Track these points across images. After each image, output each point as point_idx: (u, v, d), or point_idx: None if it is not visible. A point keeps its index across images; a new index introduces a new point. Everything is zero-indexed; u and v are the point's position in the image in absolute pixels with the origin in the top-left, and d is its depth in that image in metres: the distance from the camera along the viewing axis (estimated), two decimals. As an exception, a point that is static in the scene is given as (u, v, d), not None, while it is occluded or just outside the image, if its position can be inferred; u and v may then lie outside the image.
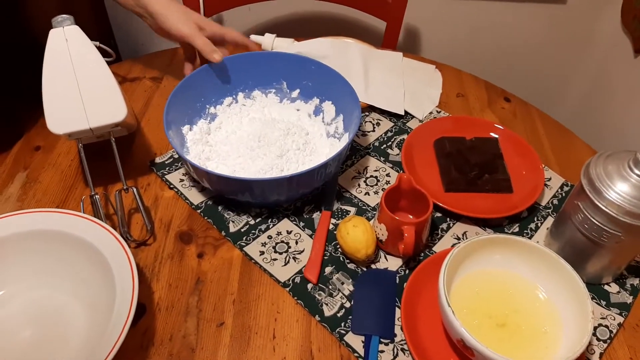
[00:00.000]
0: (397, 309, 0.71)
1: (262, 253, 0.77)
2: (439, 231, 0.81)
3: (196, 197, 0.84)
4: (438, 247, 0.79)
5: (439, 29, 1.62)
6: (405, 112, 1.02)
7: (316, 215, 0.82)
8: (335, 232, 0.79)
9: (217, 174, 0.74)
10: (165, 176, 0.87)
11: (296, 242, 0.79)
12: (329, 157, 0.74)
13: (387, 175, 0.90)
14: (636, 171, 0.63)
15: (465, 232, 0.82)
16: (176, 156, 0.91)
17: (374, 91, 1.03)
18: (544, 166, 0.90)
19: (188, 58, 0.96)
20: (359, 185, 0.88)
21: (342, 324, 0.69)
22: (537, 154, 0.90)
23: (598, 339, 0.70)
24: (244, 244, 0.78)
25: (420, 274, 0.72)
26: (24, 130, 0.95)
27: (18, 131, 0.95)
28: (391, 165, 0.91)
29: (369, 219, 0.80)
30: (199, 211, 0.82)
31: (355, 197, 0.86)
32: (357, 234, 0.73)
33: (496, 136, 0.94)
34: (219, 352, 0.67)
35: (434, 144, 0.93)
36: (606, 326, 0.71)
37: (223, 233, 0.79)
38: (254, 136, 0.87)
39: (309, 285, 0.73)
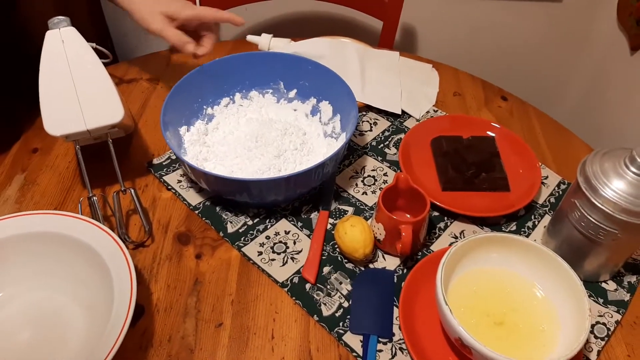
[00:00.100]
0: (395, 308, 0.72)
1: (260, 253, 0.77)
2: (437, 230, 0.82)
3: (194, 198, 0.84)
4: (436, 246, 0.79)
5: (435, 28, 1.63)
6: (402, 111, 1.02)
7: (314, 215, 0.82)
8: (333, 232, 0.79)
9: (215, 175, 0.74)
10: (163, 177, 0.87)
11: (294, 242, 0.79)
12: (327, 157, 0.74)
13: (385, 174, 0.90)
14: (632, 169, 0.63)
15: (462, 231, 0.82)
16: (174, 157, 0.91)
17: (370, 91, 1.03)
18: (540, 164, 0.90)
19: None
20: (356, 184, 0.88)
21: (341, 324, 0.70)
22: (534, 153, 0.90)
23: (596, 337, 0.70)
24: (242, 244, 0.78)
25: (418, 273, 0.73)
26: (22, 131, 0.95)
27: (17, 132, 0.95)
28: (388, 165, 0.92)
29: (366, 219, 0.81)
30: (196, 212, 0.82)
31: (353, 196, 0.86)
32: (354, 234, 0.73)
33: (493, 135, 0.94)
34: (218, 352, 0.67)
35: (431, 143, 0.93)
36: (604, 324, 0.71)
37: (221, 234, 0.80)
38: (252, 136, 0.87)
39: (307, 285, 0.74)
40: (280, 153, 0.84)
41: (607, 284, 0.76)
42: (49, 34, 0.76)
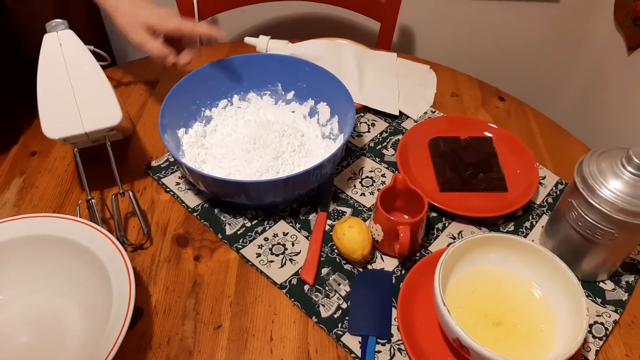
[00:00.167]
0: (393, 309, 0.72)
1: (258, 255, 0.77)
2: (435, 231, 0.82)
3: (192, 200, 0.84)
4: (434, 247, 0.80)
5: (432, 29, 1.63)
6: (400, 112, 1.02)
7: (312, 217, 0.83)
8: (331, 233, 0.79)
9: (213, 177, 0.74)
10: (162, 180, 0.87)
11: (292, 244, 0.79)
12: (324, 158, 0.74)
13: (383, 175, 0.90)
14: (629, 168, 0.63)
15: (460, 232, 0.82)
16: (172, 159, 0.91)
17: (368, 92, 1.04)
18: (538, 165, 0.91)
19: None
20: (354, 186, 0.88)
21: (339, 325, 0.70)
22: (532, 153, 0.90)
23: (594, 336, 0.70)
24: (240, 246, 0.78)
25: (416, 273, 0.73)
26: (21, 132, 0.95)
27: (15, 133, 0.95)
28: (386, 166, 0.92)
29: (364, 220, 0.81)
30: (195, 214, 0.83)
31: (351, 198, 0.86)
32: (353, 235, 0.73)
33: (490, 135, 0.94)
34: (217, 354, 0.67)
35: (429, 144, 0.93)
36: (602, 323, 0.71)
37: (219, 236, 0.80)
38: (250, 138, 0.87)
39: (306, 287, 0.74)
40: (278, 155, 0.84)
41: (605, 283, 0.76)
42: (47, 37, 0.77)
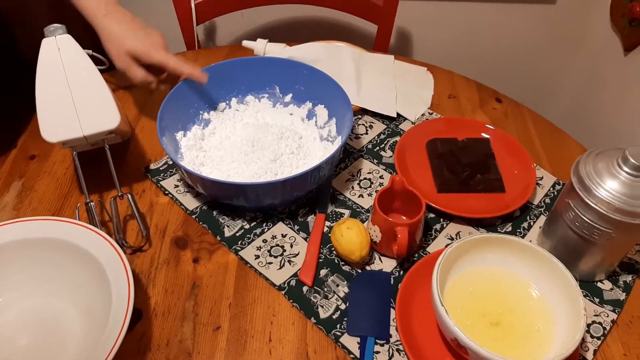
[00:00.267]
0: (392, 309, 0.72)
1: (257, 257, 0.77)
2: (433, 232, 0.82)
3: (191, 202, 0.85)
4: (432, 248, 0.80)
5: (429, 31, 1.63)
6: (398, 114, 1.02)
7: (310, 219, 0.83)
8: (329, 235, 0.79)
9: (211, 179, 0.75)
10: (160, 182, 0.88)
11: (291, 246, 0.79)
12: (322, 160, 0.74)
13: (381, 177, 0.90)
14: (625, 168, 0.64)
15: (458, 232, 0.82)
16: (170, 162, 0.91)
17: (366, 94, 1.04)
18: (535, 165, 0.91)
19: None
20: (352, 187, 0.88)
21: (338, 326, 0.70)
22: (529, 154, 0.91)
23: (592, 336, 0.70)
24: (239, 248, 0.79)
25: (415, 274, 0.73)
26: (20, 133, 0.96)
27: (15, 134, 0.95)
28: (384, 168, 0.92)
29: (363, 221, 0.81)
30: (194, 216, 0.83)
31: (349, 199, 0.86)
32: (351, 236, 0.73)
33: (488, 137, 0.94)
34: (216, 356, 0.67)
35: (426, 146, 0.94)
36: (600, 323, 0.72)
37: (218, 238, 0.80)
38: (248, 141, 0.87)
39: (305, 288, 0.74)
40: (276, 157, 0.85)
41: (603, 283, 0.76)
42: (45, 42, 0.77)
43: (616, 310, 0.73)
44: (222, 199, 0.82)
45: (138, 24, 0.85)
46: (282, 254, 0.78)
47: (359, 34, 1.62)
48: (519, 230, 0.83)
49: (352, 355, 0.67)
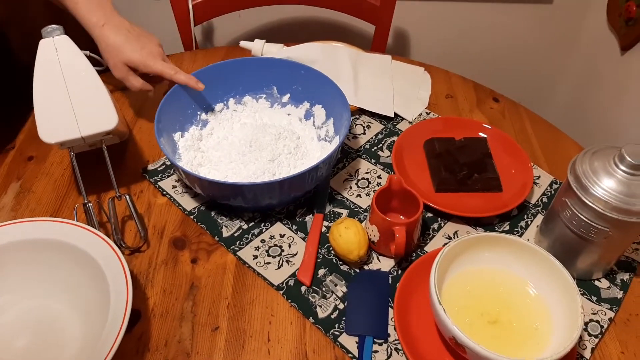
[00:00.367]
0: (390, 309, 0.72)
1: (255, 257, 0.78)
2: (431, 231, 0.82)
3: (189, 203, 0.85)
4: (430, 247, 0.80)
5: (427, 31, 1.64)
6: (395, 114, 1.03)
7: (309, 218, 0.83)
8: (327, 235, 0.80)
9: (209, 180, 0.75)
10: (158, 183, 0.88)
11: (289, 246, 0.79)
12: (320, 160, 0.74)
13: (379, 177, 0.90)
14: (622, 167, 0.64)
15: (456, 232, 0.82)
16: (168, 163, 0.91)
17: (363, 94, 1.04)
18: (533, 165, 0.91)
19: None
20: (350, 187, 0.88)
21: (336, 326, 0.70)
22: (526, 153, 0.91)
23: (589, 334, 0.70)
24: (237, 248, 0.79)
25: (413, 274, 0.73)
26: (18, 135, 0.96)
27: (13, 134, 0.96)
28: (382, 167, 0.92)
29: (360, 221, 0.81)
30: (192, 217, 0.83)
31: (347, 199, 0.86)
32: (349, 236, 0.73)
33: (485, 136, 0.95)
34: (214, 356, 0.67)
35: (424, 145, 0.94)
36: (597, 321, 0.72)
37: (216, 238, 0.80)
38: (246, 141, 0.88)
39: (303, 288, 0.74)
40: (274, 157, 0.85)
41: (600, 282, 0.76)
42: (42, 43, 0.77)
43: (613, 309, 0.73)
44: (220, 200, 0.82)
45: (135, 34, 0.86)
46: (280, 254, 0.78)
47: (357, 34, 1.62)
48: (516, 229, 0.83)
49: (350, 355, 0.67)
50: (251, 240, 0.80)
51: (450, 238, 0.82)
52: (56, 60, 0.77)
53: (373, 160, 0.93)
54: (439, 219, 0.84)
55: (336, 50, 1.10)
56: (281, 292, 0.74)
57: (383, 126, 1.01)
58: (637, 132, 1.33)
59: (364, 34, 1.60)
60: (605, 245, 0.70)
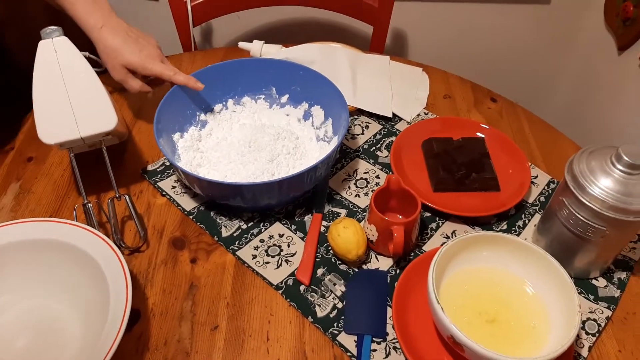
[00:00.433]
0: (388, 308, 0.72)
1: (254, 257, 0.78)
2: (429, 231, 0.83)
3: (188, 203, 0.85)
4: (428, 247, 0.80)
5: (425, 32, 1.64)
6: (394, 114, 1.03)
7: (307, 218, 0.83)
8: (326, 234, 0.80)
9: (208, 180, 0.75)
10: (158, 183, 0.88)
11: (288, 245, 0.80)
12: (319, 160, 0.75)
13: (377, 177, 0.91)
14: (619, 166, 0.64)
15: (454, 231, 0.83)
16: (168, 163, 0.91)
17: (362, 95, 1.04)
18: (530, 164, 0.92)
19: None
20: (349, 187, 0.89)
21: (335, 325, 0.70)
22: (524, 153, 0.91)
23: (587, 333, 0.71)
24: (236, 248, 0.79)
25: (411, 273, 0.73)
26: (17, 136, 0.96)
27: (12, 135, 0.96)
28: (380, 167, 0.93)
29: (359, 221, 0.81)
30: (191, 217, 0.83)
31: (346, 199, 0.87)
32: (348, 236, 0.74)
33: (483, 136, 0.95)
34: (214, 355, 0.67)
35: (422, 145, 0.94)
36: (595, 320, 0.72)
37: (216, 238, 0.80)
38: (245, 142, 0.88)
39: (302, 287, 0.74)
40: (273, 157, 0.85)
41: (598, 280, 0.77)
42: (41, 44, 0.77)
43: (611, 307, 0.74)
44: (219, 200, 0.83)
45: (134, 36, 0.86)
46: (279, 254, 0.78)
47: (355, 35, 1.63)
48: (514, 228, 0.84)
49: (349, 354, 0.68)
50: (250, 240, 0.80)
51: (448, 237, 0.82)
52: (55, 62, 0.77)
53: (371, 160, 0.94)
54: (437, 218, 0.84)
55: (334, 51, 1.11)
56: (280, 291, 0.74)
57: (381, 126, 1.01)
58: (634, 131, 1.34)
59: (362, 35, 1.61)
60: (603, 244, 0.70)
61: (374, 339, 0.69)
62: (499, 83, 1.47)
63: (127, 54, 0.85)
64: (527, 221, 0.84)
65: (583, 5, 1.54)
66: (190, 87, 0.88)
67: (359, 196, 0.87)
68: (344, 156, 0.94)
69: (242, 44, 1.10)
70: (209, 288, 0.74)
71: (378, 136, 0.99)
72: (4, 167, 0.91)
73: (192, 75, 0.89)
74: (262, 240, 0.80)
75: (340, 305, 0.73)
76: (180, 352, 0.67)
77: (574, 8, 1.56)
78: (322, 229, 0.82)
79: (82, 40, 0.83)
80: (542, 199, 0.88)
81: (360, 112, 1.04)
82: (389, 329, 0.70)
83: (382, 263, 0.78)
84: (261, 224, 0.82)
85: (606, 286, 0.76)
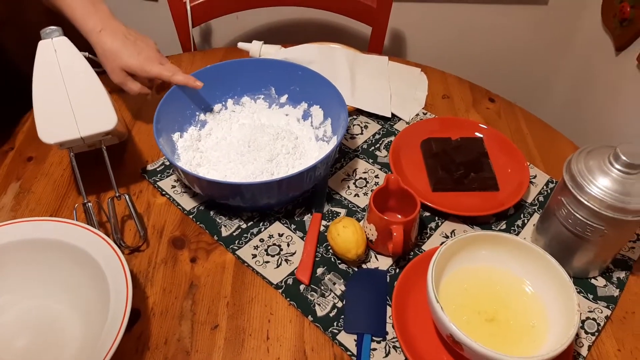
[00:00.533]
0: (388, 307, 0.73)
1: (254, 256, 0.78)
2: (428, 230, 0.83)
3: (188, 202, 0.85)
4: (427, 246, 0.81)
5: (423, 32, 1.64)
6: (392, 114, 1.03)
7: (307, 218, 0.83)
8: (326, 234, 0.80)
9: (208, 179, 0.75)
10: (157, 183, 0.88)
11: (288, 245, 0.80)
12: (318, 160, 0.75)
13: (376, 176, 0.91)
14: (617, 166, 0.64)
15: (453, 230, 0.83)
16: (167, 163, 0.92)
17: (360, 95, 1.05)
18: (529, 164, 0.92)
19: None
20: (348, 187, 0.89)
21: (335, 324, 0.70)
22: (522, 152, 0.92)
23: (586, 332, 0.71)
24: (236, 247, 0.79)
25: (410, 272, 0.74)
26: (17, 136, 0.96)
27: (11, 136, 0.96)
28: (379, 167, 0.93)
29: (358, 220, 0.82)
30: (191, 216, 0.83)
31: (345, 198, 0.87)
32: (347, 235, 0.74)
33: (481, 136, 0.95)
34: (214, 354, 0.67)
35: (421, 145, 0.94)
36: (594, 319, 0.72)
37: (215, 237, 0.80)
38: (244, 141, 0.88)
39: (302, 287, 0.75)
40: (272, 157, 0.85)
41: (597, 280, 0.77)
42: (41, 44, 0.77)
43: (610, 307, 0.74)
44: (219, 199, 0.83)
45: (132, 38, 0.87)
46: (279, 253, 0.79)
47: (354, 36, 1.63)
48: (513, 228, 0.84)
49: (349, 353, 0.68)
50: (250, 240, 0.80)
51: (447, 237, 0.82)
52: (55, 62, 0.77)
53: (370, 160, 0.94)
54: (436, 218, 0.85)
55: (333, 51, 1.11)
56: (280, 290, 0.74)
57: (380, 126, 1.01)
58: (631, 131, 1.35)
59: (361, 36, 1.61)
60: (601, 244, 0.71)
61: (373, 338, 0.69)
62: (497, 83, 1.48)
63: (125, 57, 0.85)
64: (526, 221, 0.85)
65: (580, 5, 1.55)
66: (189, 86, 0.88)
67: (358, 196, 0.88)
68: (343, 156, 0.95)
69: (242, 45, 1.10)
70: (209, 287, 0.74)
71: (377, 136, 0.99)
72: (3, 167, 0.91)
73: (192, 76, 0.89)
74: (261, 240, 0.80)
75: (340, 304, 0.73)
76: (181, 351, 0.67)
77: (571, 9, 1.56)
78: (322, 228, 0.82)
79: (82, 41, 0.83)
80: (541, 198, 0.88)
81: (359, 112, 1.04)
82: (388, 328, 0.70)
83: (382, 262, 0.78)
84: (261, 224, 0.82)
85: (605, 285, 0.76)
